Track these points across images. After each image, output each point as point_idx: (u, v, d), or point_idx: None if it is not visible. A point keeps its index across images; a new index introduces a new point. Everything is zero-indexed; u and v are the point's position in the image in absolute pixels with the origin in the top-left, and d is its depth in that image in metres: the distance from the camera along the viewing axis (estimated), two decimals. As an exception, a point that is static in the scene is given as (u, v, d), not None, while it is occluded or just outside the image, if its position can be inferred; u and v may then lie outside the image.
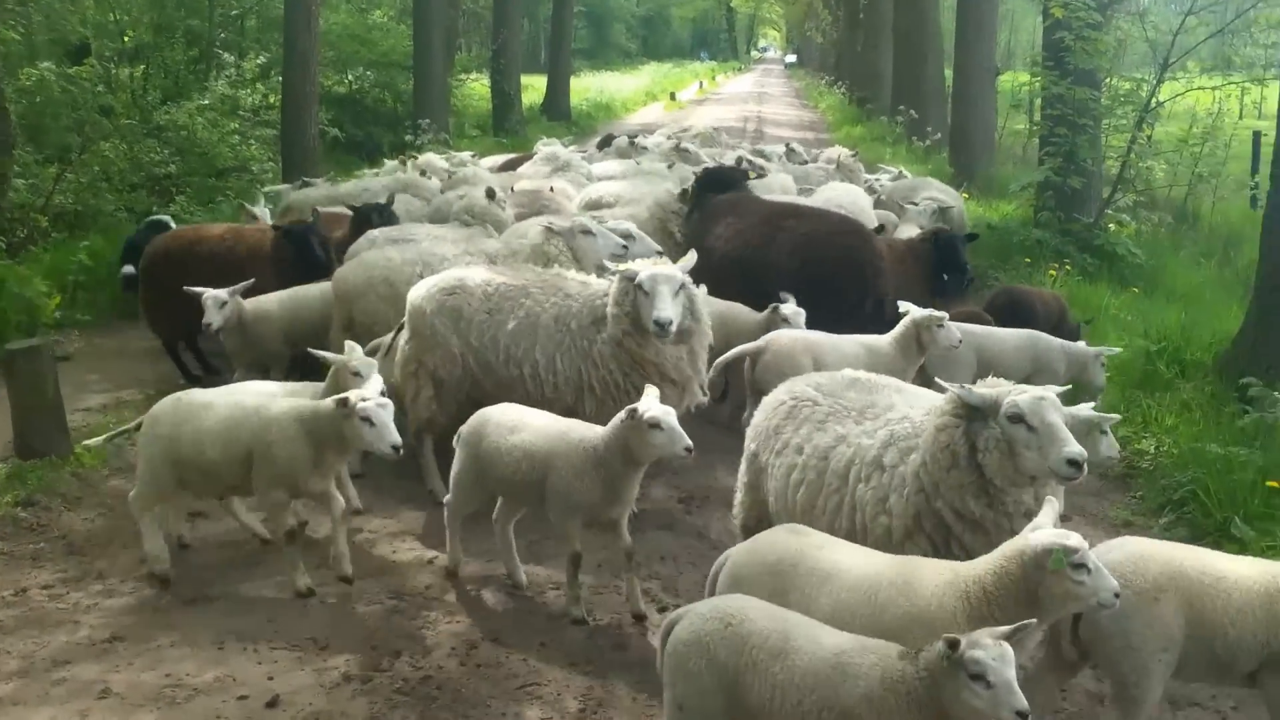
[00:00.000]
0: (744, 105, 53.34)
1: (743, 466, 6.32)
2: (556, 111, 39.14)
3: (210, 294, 9.53)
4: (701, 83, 72.93)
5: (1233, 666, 4.94)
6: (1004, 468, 5.06)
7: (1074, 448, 4.87)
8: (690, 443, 6.03)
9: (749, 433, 6.28)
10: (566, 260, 9.47)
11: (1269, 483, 7.64)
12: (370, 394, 6.53)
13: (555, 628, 6.58)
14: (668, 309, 7.32)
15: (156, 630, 6.54)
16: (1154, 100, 17.21)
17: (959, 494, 5.15)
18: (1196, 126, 19.51)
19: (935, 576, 4.61)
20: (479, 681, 6.07)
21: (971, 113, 24.76)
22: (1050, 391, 5.10)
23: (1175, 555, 5.07)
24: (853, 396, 5.91)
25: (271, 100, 22.87)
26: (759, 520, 6.04)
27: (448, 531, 7.16)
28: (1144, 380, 10.33)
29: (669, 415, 6.07)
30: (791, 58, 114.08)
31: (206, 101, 20.76)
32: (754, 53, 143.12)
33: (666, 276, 7.43)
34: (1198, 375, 10.32)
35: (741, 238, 10.45)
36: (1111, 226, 16.24)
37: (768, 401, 6.18)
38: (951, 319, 8.30)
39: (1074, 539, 4.34)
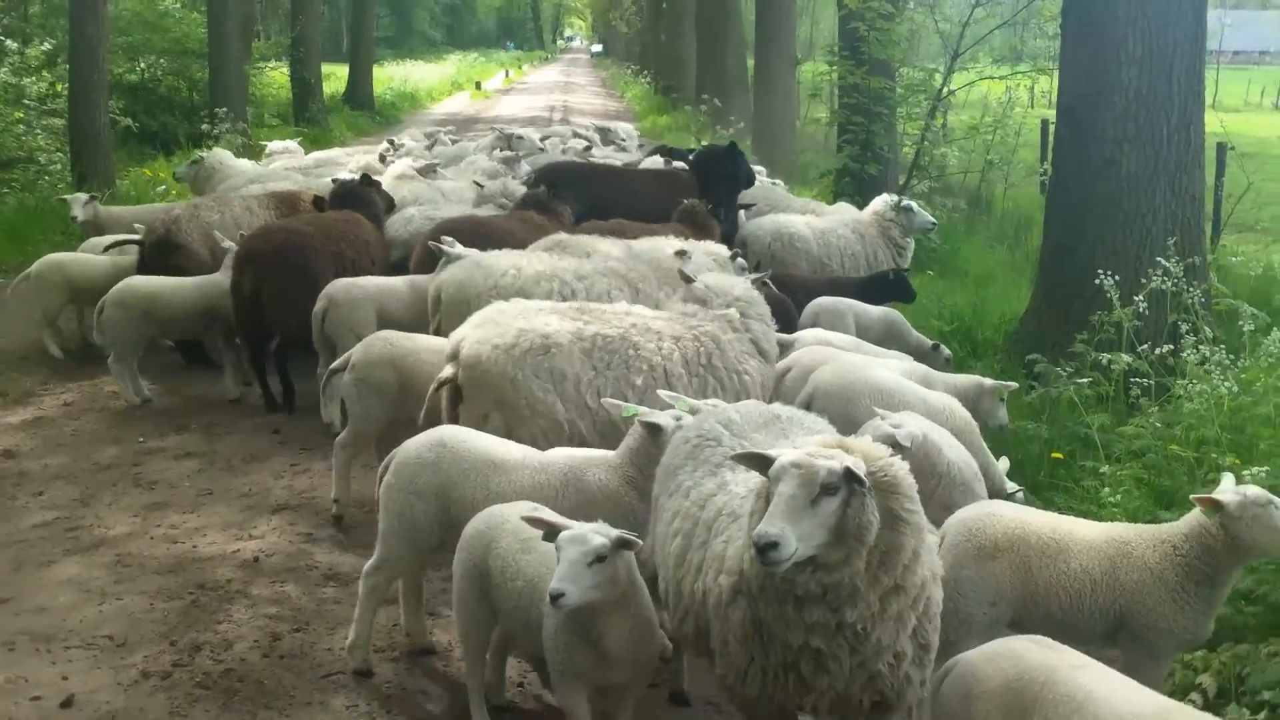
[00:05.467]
0: (550, 95, 53.32)
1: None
2: (359, 101, 38.55)
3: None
4: (508, 72, 72.76)
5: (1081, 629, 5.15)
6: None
7: (764, 527, 3.90)
8: None
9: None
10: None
11: (1054, 454, 7.98)
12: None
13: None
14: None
15: (-59, 638, 6.27)
16: (946, 89, 17.77)
17: (750, 564, 4.21)
18: (988, 115, 20.23)
19: None
20: (283, 672, 5.97)
21: (773, 101, 25.25)
22: (824, 461, 3.98)
23: (1024, 518, 5.33)
24: (760, 439, 4.93)
25: (59, 89, 21.97)
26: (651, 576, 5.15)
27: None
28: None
29: None
30: (598, 47, 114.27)
31: (-11, 90, 19.89)
32: (560, 42, 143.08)
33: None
34: (989, 354, 10.73)
35: None
36: (906, 213, 16.63)
37: (676, 438, 5.29)
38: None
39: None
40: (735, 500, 4.60)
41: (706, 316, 7.37)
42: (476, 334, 6.88)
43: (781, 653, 4.22)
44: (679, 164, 14.28)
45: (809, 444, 4.20)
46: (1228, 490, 5.05)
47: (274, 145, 19.21)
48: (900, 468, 4.14)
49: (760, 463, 4.13)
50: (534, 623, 4.91)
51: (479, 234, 9.39)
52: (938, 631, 4.41)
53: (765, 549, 3.87)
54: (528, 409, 6.72)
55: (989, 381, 7.94)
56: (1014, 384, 8.12)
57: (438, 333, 8.26)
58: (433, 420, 6.73)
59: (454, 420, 6.73)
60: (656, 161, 15.51)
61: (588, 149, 17.73)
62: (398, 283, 9.67)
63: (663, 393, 6.06)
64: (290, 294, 9.76)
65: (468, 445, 5.82)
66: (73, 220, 13.20)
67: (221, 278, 10.22)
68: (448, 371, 6.84)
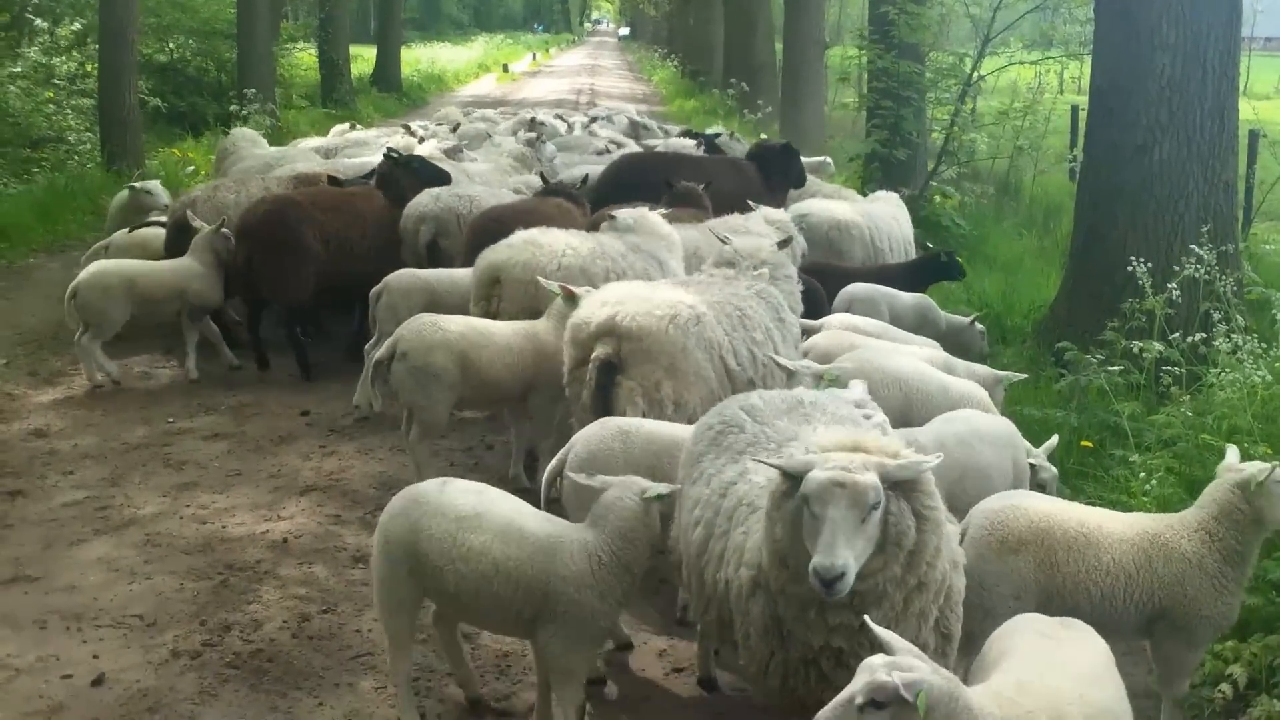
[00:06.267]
0: (577, 78, 53.27)
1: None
2: (386, 83, 38.53)
3: None
4: (535, 55, 72.68)
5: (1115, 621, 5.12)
6: (796, 548, 4.06)
7: (825, 558, 3.82)
8: None
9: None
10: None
11: (1083, 443, 7.93)
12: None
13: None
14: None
15: (-28, 614, 6.32)
16: (976, 74, 17.68)
17: (770, 564, 4.22)
18: (1017, 101, 20.10)
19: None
20: (312, 653, 6.00)
21: (801, 86, 25.13)
22: (863, 477, 3.92)
23: (1049, 511, 5.26)
24: (783, 425, 4.89)
25: (89, 69, 22.04)
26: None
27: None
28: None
29: None
30: (625, 30, 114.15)
31: (19, 69, 19.94)
32: (587, 25, 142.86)
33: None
34: (1017, 341, 10.68)
35: None
36: (936, 198, 16.59)
37: (700, 424, 5.28)
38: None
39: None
40: (755, 490, 4.55)
41: (746, 278, 7.60)
42: (630, 308, 6.86)
43: (802, 650, 4.22)
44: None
45: (825, 442, 4.17)
46: (1257, 466, 5.08)
47: (338, 127, 19.25)
48: (917, 464, 4.10)
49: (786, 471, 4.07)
50: (503, 599, 4.95)
51: (521, 220, 9.32)
52: (960, 620, 4.41)
53: (832, 582, 3.83)
54: (694, 376, 6.87)
55: (1005, 374, 7.97)
56: (1023, 375, 8.11)
57: (490, 313, 8.31)
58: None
59: (603, 398, 6.72)
60: (687, 144, 15.61)
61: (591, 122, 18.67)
62: (460, 275, 9.44)
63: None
64: (275, 262, 10.22)
65: (645, 431, 5.86)
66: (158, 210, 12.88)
67: (191, 260, 10.31)
68: (603, 349, 6.80)
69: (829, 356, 7.48)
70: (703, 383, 6.90)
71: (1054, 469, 6.73)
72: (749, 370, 7.09)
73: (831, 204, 12.38)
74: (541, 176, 12.45)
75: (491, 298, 8.47)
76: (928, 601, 4.16)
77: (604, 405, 6.66)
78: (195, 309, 10.38)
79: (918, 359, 7.57)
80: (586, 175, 12.56)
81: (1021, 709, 3.66)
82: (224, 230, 10.40)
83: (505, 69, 56.63)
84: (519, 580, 4.94)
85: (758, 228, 9.05)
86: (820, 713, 3.40)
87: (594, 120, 19.22)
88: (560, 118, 19.36)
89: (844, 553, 3.85)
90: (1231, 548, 5.06)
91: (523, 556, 4.94)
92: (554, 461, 5.98)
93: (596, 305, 7.01)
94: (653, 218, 9.06)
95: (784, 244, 8.25)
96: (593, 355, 6.82)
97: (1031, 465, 6.55)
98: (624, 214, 9.03)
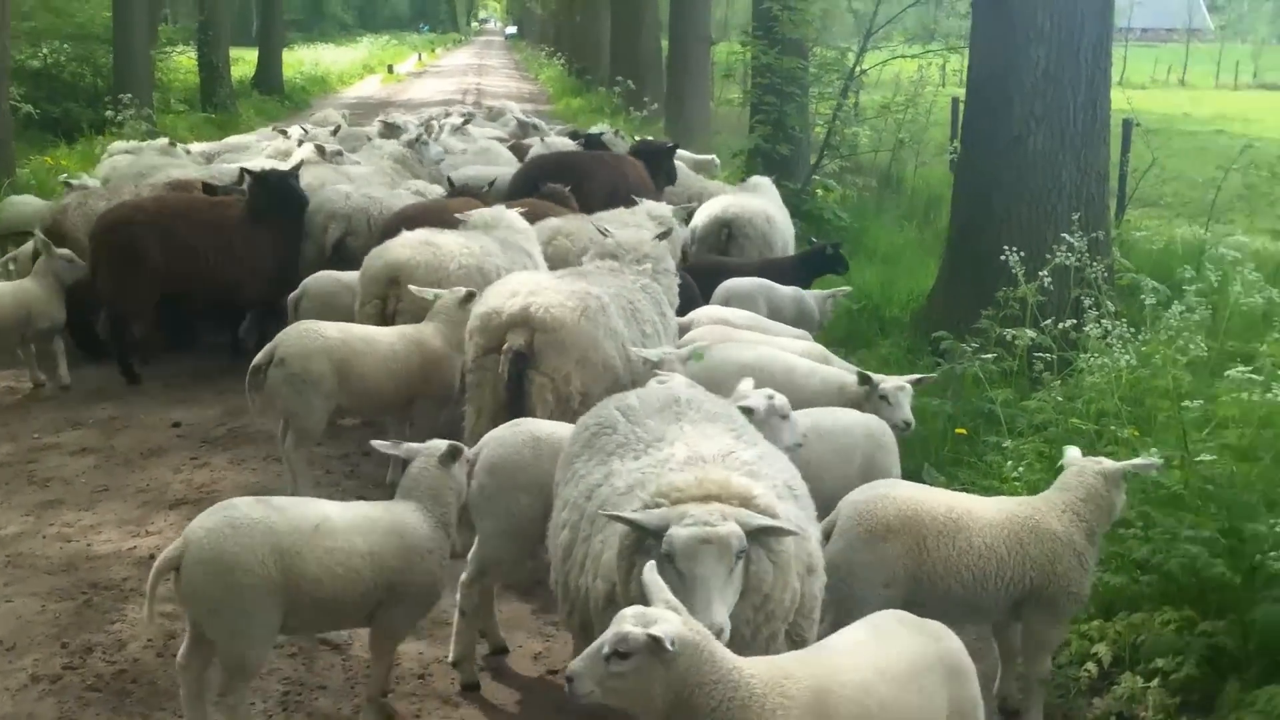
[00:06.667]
0: (463, 78, 53.00)
1: None
2: (268, 85, 38.01)
3: None
4: (420, 55, 72.27)
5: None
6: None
7: (703, 619, 3.72)
8: None
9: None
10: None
11: (958, 430, 8.01)
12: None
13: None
14: None
15: None
16: (858, 69, 17.86)
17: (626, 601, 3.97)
18: (900, 94, 20.34)
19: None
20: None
21: (687, 82, 25.23)
22: (725, 529, 3.88)
23: (917, 498, 5.32)
24: (653, 425, 4.77)
25: (-40, 74, 21.35)
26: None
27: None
28: (847, 338, 10.76)
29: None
30: (512, 29, 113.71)
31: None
32: (474, 24, 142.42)
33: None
34: (896, 331, 10.76)
35: None
36: (819, 192, 16.71)
37: (577, 425, 5.20)
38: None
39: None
40: (616, 495, 4.45)
41: (632, 270, 7.68)
42: (543, 299, 6.89)
43: None
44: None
45: (672, 486, 4.09)
46: (1113, 464, 5.36)
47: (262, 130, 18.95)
48: (765, 494, 4.11)
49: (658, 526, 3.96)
50: (369, 590, 5.05)
51: (445, 221, 9.19)
52: (815, 623, 4.40)
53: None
54: (603, 368, 6.95)
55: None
56: (914, 376, 8.05)
57: (385, 314, 8.25)
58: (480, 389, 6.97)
59: (515, 389, 6.73)
60: (566, 143, 15.62)
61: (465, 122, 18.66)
62: None
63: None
64: (113, 269, 10.09)
65: (557, 438, 5.67)
66: None
67: (32, 283, 9.96)
68: (515, 339, 6.79)
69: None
70: (609, 374, 6.97)
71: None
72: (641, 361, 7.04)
73: (754, 199, 12.52)
74: (449, 180, 12.34)
75: (388, 298, 8.36)
76: (777, 626, 4.15)
77: (516, 396, 6.66)
78: (42, 331, 10.01)
79: (783, 351, 7.58)
80: (495, 179, 12.58)
81: (783, 674, 3.65)
82: (65, 252, 10.02)
83: (390, 70, 56.18)
84: (384, 565, 5.05)
85: (640, 221, 9.07)
86: (572, 663, 3.52)
87: (466, 121, 18.96)
88: (434, 119, 19.07)
89: (720, 610, 3.82)
90: (1092, 529, 5.24)
91: (384, 543, 5.08)
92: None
93: (506, 295, 7.00)
94: (510, 214, 9.09)
95: (663, 235, 8.26)
96: (504, 346, 6.80)
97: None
98: (479, 212, 9.07)
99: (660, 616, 3.49)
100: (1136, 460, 5.51)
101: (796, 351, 7.74)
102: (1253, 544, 5.33)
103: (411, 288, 7.76)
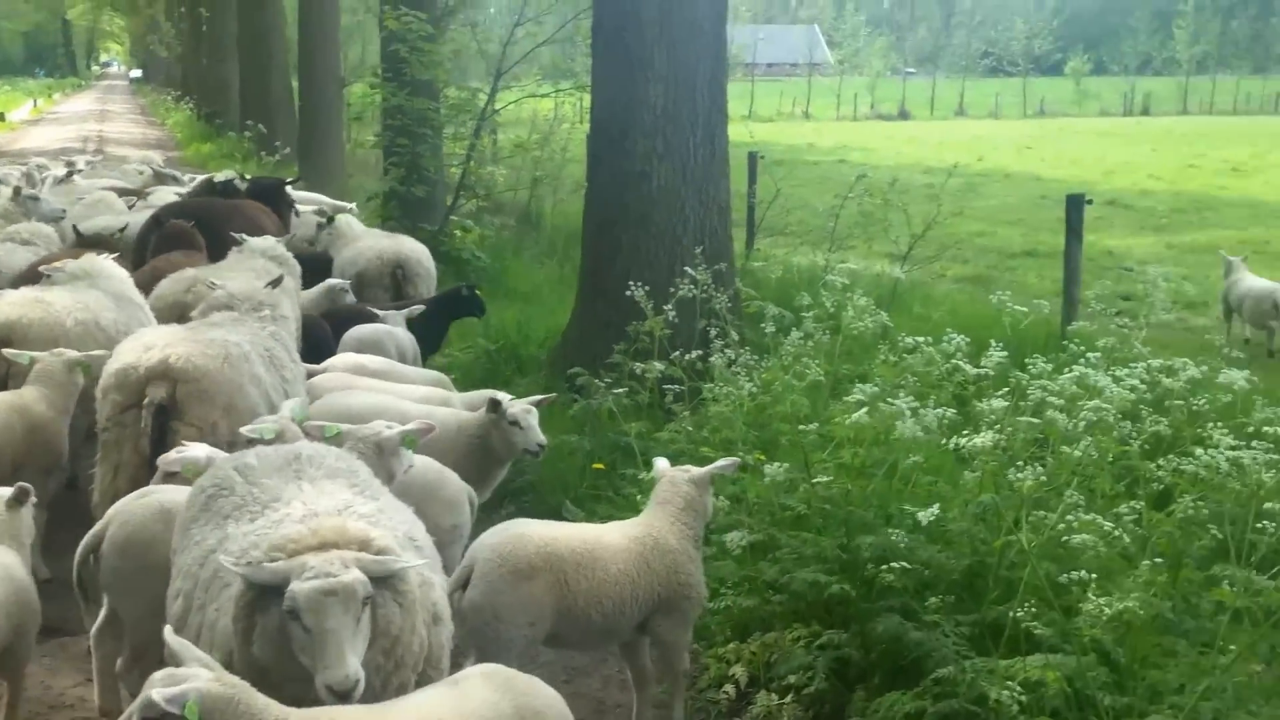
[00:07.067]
0: (84, 124, 50.36)
1: None
2: None
3: None
4: (36, 101, 68.43)
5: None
6: (280, 663, 3.86)
7: (337, 672, 3.67)
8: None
9: None
10: None
11: (595, 464, 8.12)
12: None
13: None
14: None
15: None
16: (490, 108, 17.98)
17: (242, 668, 3.87)
18: (535, 132, 20.63)
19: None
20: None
21: (320, 125, 24.80)
22: (349, 576, 3.78)
23: (552, 535, 5.44)
24: (271, 484, 4.55)
25: None
26: None
27: None
28: (485, 379, 10.70)
29: None
30: (137, 73, 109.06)
31: None
32: (95, 68, 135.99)
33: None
34: (534, 370, 10.83)
35: None
36: (458, 232, 16.70)
37: (193, 489, 4.88)
38: None
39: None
40: (231, 560, 4.22)
41: (252, 319, 7.52)
42: (181, 349, 6.68)
43: None
44: None
45: (285, 539, 3.97)
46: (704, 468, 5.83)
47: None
48: (383, 537, 4.04)
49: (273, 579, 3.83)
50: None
51: None
52: (446, 669, 4.33)
53: (347, 694, 3.68)
54: (250, 415, 6.61)
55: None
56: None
57: None
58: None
59: (154, 442, 6.43)
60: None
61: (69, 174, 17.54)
62: None
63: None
64: None
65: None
66: None
67: None
68: (156, 392, 6.53)
69: (318, 396, 7.45)
70: (251, 419, 6.58)
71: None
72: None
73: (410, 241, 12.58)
74: (75, 230, 11.75)
75: None
76: (407, 675, 4.08)
77: (159, 451, 6.27)
78: None
79: (401, 398, 7.51)
80: (126, 224, 12.13)
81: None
82: None
83: (2, 118, 52.89)
84: None
85: (254, 265, 8.87)
86: None
87: (70, 173, 17.72)
88: (33, 170, 17.73)
89: (353, 661, 3.71)
90: (697, 534, 5.67)
91: None
92: (88, 538, 5.49)
93: (140, 350, 6.73)
94: (107, 264, 8.73)
95: (274, 284, 8.03)
96: (145, 400, 6.53)
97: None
98: (71, 263, 8.63)
99: (189, 675, 3.46)
100: (719, 463, 5.87)
101: (416, 397, 7.66)
102: (866, 558, 5.59)
103: (6, 351, 7.26)
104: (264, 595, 3.86)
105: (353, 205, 16.68)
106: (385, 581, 3.92)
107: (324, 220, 13.35)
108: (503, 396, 7.19)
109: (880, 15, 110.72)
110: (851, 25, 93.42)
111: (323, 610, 3.72)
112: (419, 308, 10.19)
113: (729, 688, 5.96)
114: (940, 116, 67.73)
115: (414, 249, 12.22)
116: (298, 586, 3.75)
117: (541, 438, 7.09)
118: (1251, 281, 13.89)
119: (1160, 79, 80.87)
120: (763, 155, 16.10)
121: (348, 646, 3.72)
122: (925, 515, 5.17)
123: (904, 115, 68.36)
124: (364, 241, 12.50)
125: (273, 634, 3.84)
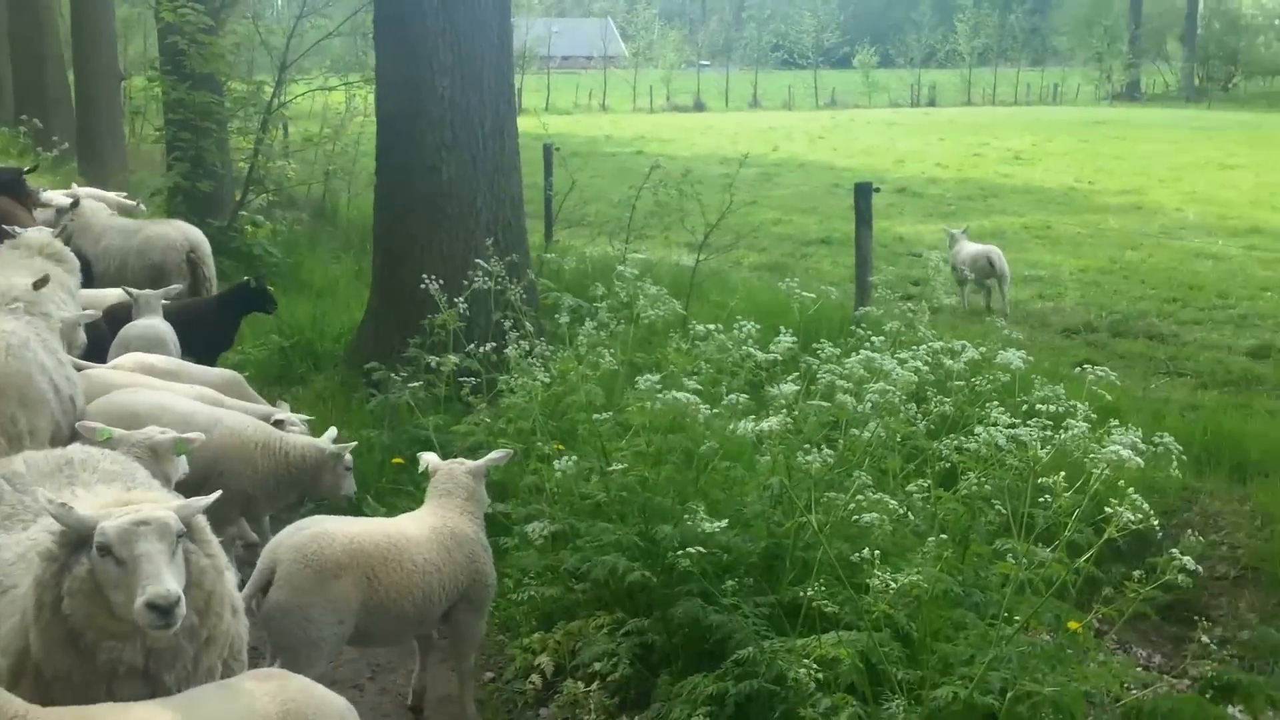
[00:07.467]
0: None
1: None
2: None
3: None
4: None
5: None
6: (93, 617, 3.74)
7: (158, 587, 3.60)
8: None
9: None
10: None
11: (394, 459, 8.01)
12: None
13: None
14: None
15: None
16: (277, 101, 17.57)
17: (45, 647, 3.79)
18: (326, 126, 20.25)
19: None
20: None
21: (98, 120, 24.04)
22: (161, 512, 3.80)
23: (354, 531, 5.36)
24: (44, 491, 4.24)
25: None
26: None
27: None
28: (280, 376, 10.53)
29: None
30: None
31: None
32: None
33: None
34: (329, 366, 10.66)
35: None
36: (247, 228, 16.29)
37: None
38: None
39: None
40: (6, 567, 4.09)
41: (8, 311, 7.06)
42: None
43: None
44: None
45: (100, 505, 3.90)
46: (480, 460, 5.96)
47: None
48: (194, 505, 3.98)
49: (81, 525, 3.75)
50: None
51: None
52: (244, 666, 4.25)
53: (170, 609, 3.60)
54: (42, 403, 6.42)
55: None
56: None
57: None
58: None
59: None
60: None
61: None
62: None
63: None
64: None
65: None
66: None
67: None
68: None
69: (93, 396, 7.09)
70: (47, 408, 6.49)
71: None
72: (66, 397, 6.68)
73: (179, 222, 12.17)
74: None
75: None
76: (215, 657, 4.00)
77: None
78: None
79: (181, 395, 7.28)
80: None
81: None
82: None
83: None
84: None
85: (18, 260, 8.36)
86: None
87: None
88: None
89: (170, 579, 3.64)
90: (481, 524, 5.74)
91: None
92: None
93: None
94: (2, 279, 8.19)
95: (40, 284, 7.64)
96: None
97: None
98: None
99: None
100: (493, 454, 6.01)
101: (198, 396, 7.41)
102: (665, 544, 5.62)
103: None
104: (72, 554, 3.76)
105: (138, 201, 16.09)
106: (194, 539, 3.91)
107: (66, 208, 12.19)
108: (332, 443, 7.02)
109: (673, 9, 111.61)
110: (645, 18, 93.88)
111: (135, 538, 3.68)
112: (176, 287, 9.83)
113: (535, 677, 5.96)
114: (735, 108, 68.72)
115: (194, 230, 11.78)
116: (108, 524, 3.70)
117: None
118: (970, 248, 15.11)
119: (945, 71, 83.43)
120: (558, 147, 16.07)
121: (165, 567, 3.67)
122: (711, 527, 5.10)
123: (700, 107, 69.11)
124: (148, 230, 11.85)
125: (83, 582, 3.73)
